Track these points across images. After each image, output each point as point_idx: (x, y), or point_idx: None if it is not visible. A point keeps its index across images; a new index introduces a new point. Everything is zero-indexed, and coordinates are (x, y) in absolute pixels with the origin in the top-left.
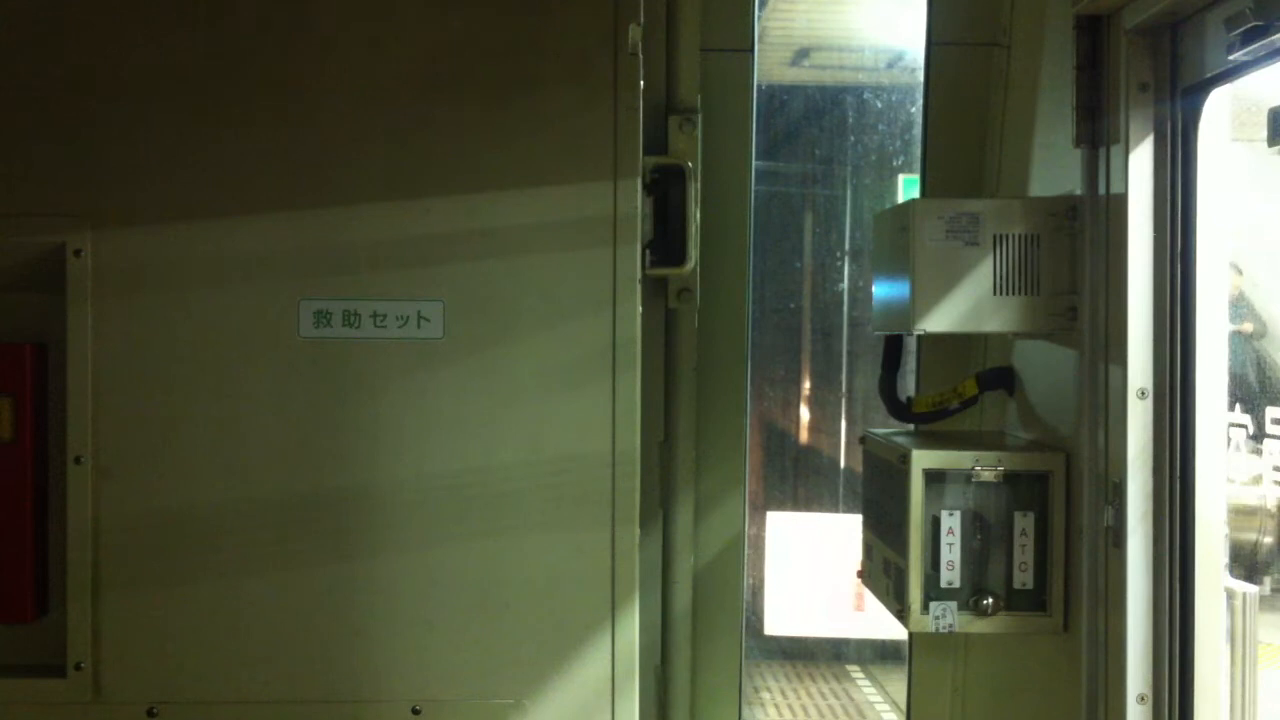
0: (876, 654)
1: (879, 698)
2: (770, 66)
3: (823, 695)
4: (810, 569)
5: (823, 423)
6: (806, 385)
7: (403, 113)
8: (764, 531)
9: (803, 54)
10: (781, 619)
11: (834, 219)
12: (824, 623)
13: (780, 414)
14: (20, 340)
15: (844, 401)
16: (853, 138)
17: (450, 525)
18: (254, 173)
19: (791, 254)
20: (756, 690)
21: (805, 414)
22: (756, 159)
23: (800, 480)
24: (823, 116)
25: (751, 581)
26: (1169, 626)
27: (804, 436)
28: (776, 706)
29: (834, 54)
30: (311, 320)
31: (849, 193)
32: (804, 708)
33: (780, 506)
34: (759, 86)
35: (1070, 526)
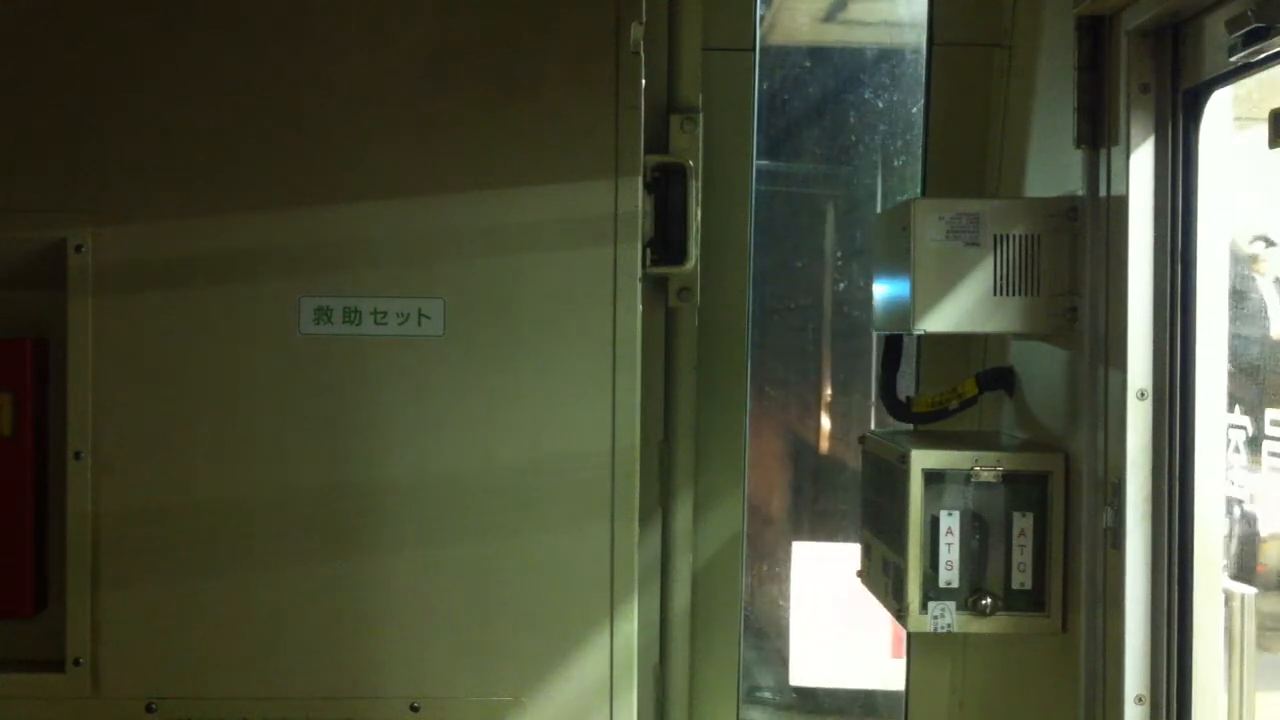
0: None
1: None
2: (800, 25)
3: None
4: (839, 604)
5: (839, 430)
6: (828, 391)
7: (403, 111)
8: (789, 569)
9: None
10: (808, 667)
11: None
12: (857, 672)
13: (796, 420)
14: (20, 335)
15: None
16: (853, 138)
17: (449, 522)
18: (254, 169)
19: (790, 255)
20: None
21: (825, 422)
22: (758, 155)
23: (820, 497)
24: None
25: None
26: (1167, 628)
27: (807, 438)
28: None
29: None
30: (312, 317)
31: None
32: None
33: (797, 528)
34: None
35: (1069, 527)
